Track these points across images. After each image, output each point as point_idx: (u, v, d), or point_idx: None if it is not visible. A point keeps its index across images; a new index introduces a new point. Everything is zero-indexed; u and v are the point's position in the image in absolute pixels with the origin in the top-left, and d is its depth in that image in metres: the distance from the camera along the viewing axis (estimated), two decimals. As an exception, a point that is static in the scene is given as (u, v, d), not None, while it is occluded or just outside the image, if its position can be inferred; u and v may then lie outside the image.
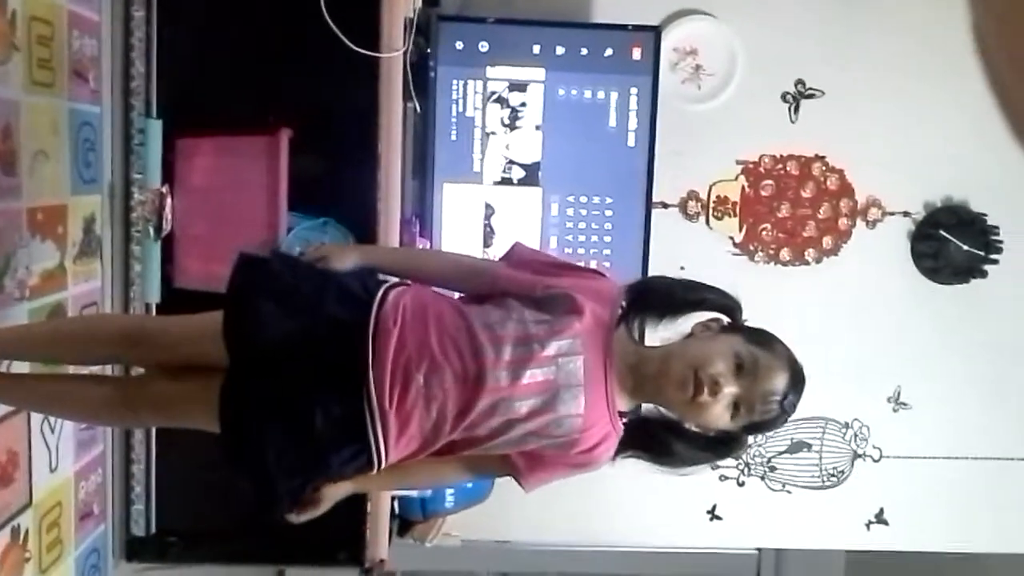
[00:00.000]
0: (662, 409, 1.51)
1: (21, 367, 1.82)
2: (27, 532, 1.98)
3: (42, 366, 1.88)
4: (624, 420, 1.52)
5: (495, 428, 1.43)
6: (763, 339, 1.45)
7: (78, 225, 2.16)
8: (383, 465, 1.44)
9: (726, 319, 1.50)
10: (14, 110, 1.85)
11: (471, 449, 1.47)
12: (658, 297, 1.52)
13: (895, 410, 3.06)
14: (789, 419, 1.46)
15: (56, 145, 2.03)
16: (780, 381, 1.41)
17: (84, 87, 2.17)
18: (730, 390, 1.39)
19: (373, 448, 1.41)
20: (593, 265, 2.65)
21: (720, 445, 1.50)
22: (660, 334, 1.51)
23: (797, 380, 1.43)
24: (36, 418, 1.99)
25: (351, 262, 1.56)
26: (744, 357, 1.40)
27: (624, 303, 1.50)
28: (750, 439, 1.56)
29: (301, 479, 1.47)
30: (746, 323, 1.50)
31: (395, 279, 1.57)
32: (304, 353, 1.41)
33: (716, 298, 1.50)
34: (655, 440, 1.50)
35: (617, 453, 1.52)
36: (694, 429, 1.48)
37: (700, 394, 1.39)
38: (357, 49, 2.17)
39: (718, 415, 1.41)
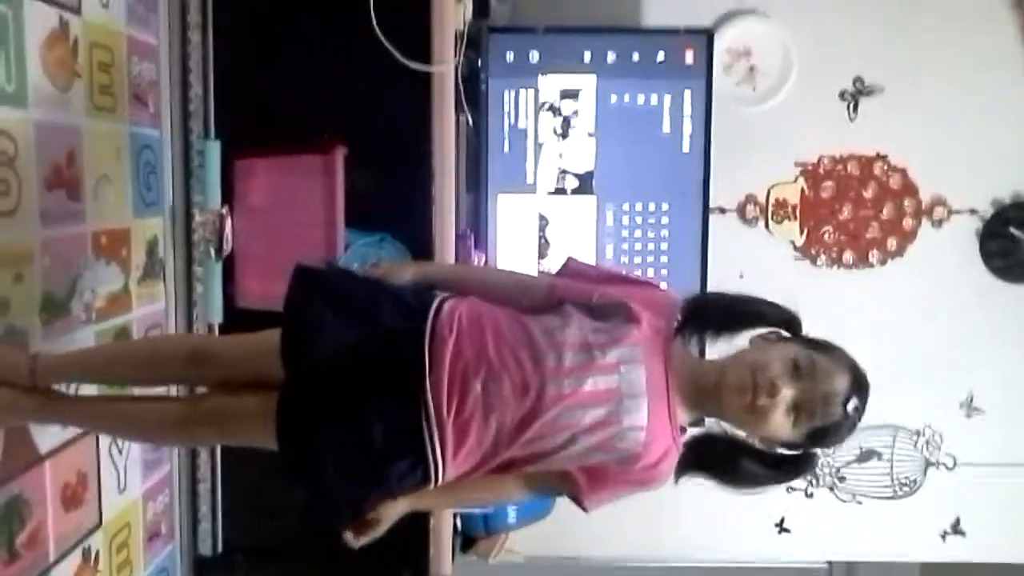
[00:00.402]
0: (726, 426, 1.47)
1: (88, 389, 1.84)
2: (98, 553, 2.00)
3: (108, 388, 1.90)
4: (687, 438, 1.49)
5: (558, 443, 1.41)
6: (822, 345, 1.43)
7: (141, 248, 2.19)
8: (441, 479, 1.42)
9: (785, 332, 1.47)
10: (77, 136, 1.88)
11: (532, 466, 1.44)
12: (716, 312, 1.50)
13: (968, 416, 2.98)
14: (855, 428, 1.41)
15: (118, 169, 2.06)
16: (840, 383, 1.38)
17: (144, 111, 2.20)
18: (788, 392, 1.37)
19: (430, 459, 1.39)
20: (651, 273, 2.63)
21: (788, 463, 1.46)
22: (719, 349, 1.48)
23: (859, 384, 1.40)
24: (104, 440, 2.02)
25: (408, 277, 1.56)
26: (801, 360, 1.38)
27: (681, 316, 1.49)
28: (819, 453, 1.50)
29: (359, 492, 1.45)
30: (806, 336, 1.47)
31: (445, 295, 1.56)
32: (360, 363, 1.40)
33: (774, 312, 1.48)
34: (721, 459, 1.47)
35: (681, 473, 1.48)
36: (759, 446, 1.44)
37: (758, 398, 1.37)
38: (409, 64, 2.17)
39: (778, 421, 1.38)
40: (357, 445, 1.39)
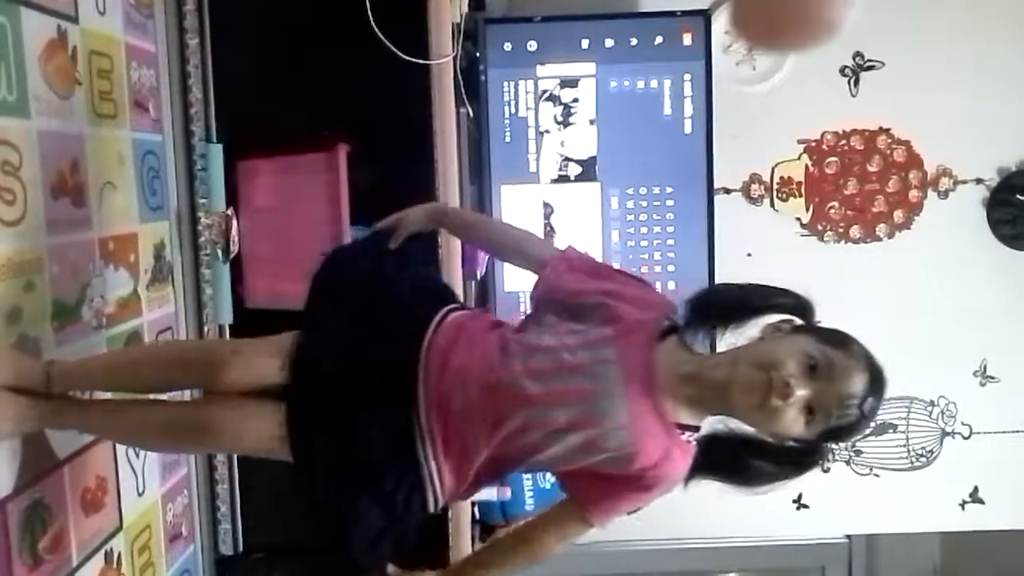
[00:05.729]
0: (731, 425, 1.43)
1: (102, 396, 1.85)
2: (120, 556, 2.02)
3: (123, 394, 1.91)
4: (693, 439, 1.46)
5: (535, 440, 1.42)
6: (838, 339, 1.36)
7: (149, 252, 2.20)
8: (439, 489, 1.47)
9: (798, 320, 1.42)
10: (80, 143, 1.89)
11: (521, 464, 1.48)
12: (723, 304, 1.45)
13: (982, 384, 2.97)
14: (871, 425, 1.37)
15: (122, 175, 2.07)
16: (858, 383, 1.31)
17: (145, 117, 2.21)
18: (802, 393, 1.30)
19: (424, 466, 1.45)
20: (658, 257, 2.63)
21: (800, 456, 1.40)
22: (728, 341, 1.44)
23: (877, 382, 1.33)
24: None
25: (423, 222, 1.68)
26: (817, 357, 1.31)
27: (680, 312, 1.46)
28: (831, 446, 1.48)
29: (352, 495, 1.48)
30: (820, 324, 1.42)
31: (454, 305, 1.60)
32: (360, 371, 1.46)
33: (786, 300, 1.43)
34: (728, 457, 1.43)
35: (690, 477, 1.45)
36: (768, 440, 1.39)
37: (770, 398, 1.30)
38: (407, 58, 2.18)
39: (791, 421, 1.31)
40: (352, 452, 1.44)
